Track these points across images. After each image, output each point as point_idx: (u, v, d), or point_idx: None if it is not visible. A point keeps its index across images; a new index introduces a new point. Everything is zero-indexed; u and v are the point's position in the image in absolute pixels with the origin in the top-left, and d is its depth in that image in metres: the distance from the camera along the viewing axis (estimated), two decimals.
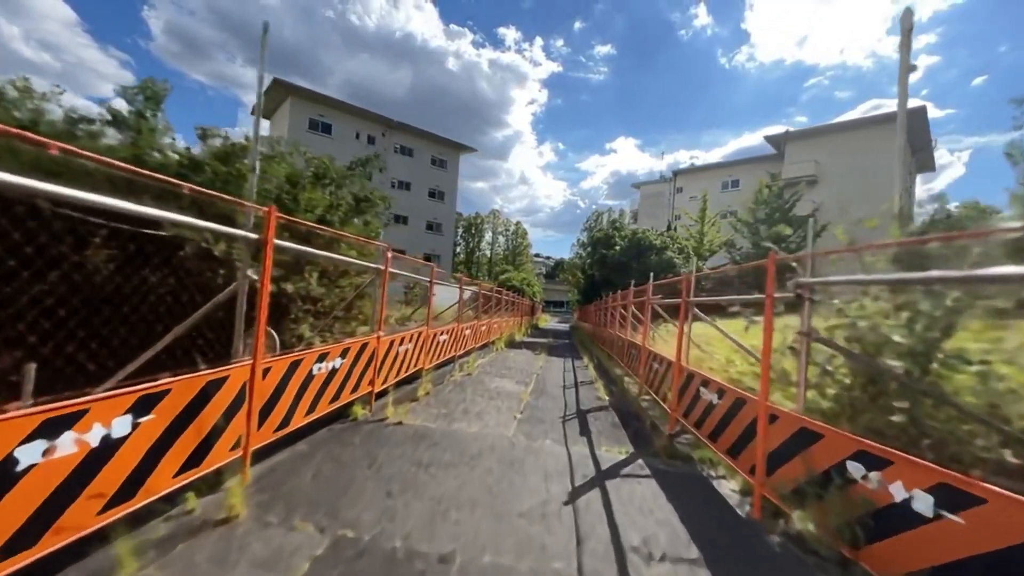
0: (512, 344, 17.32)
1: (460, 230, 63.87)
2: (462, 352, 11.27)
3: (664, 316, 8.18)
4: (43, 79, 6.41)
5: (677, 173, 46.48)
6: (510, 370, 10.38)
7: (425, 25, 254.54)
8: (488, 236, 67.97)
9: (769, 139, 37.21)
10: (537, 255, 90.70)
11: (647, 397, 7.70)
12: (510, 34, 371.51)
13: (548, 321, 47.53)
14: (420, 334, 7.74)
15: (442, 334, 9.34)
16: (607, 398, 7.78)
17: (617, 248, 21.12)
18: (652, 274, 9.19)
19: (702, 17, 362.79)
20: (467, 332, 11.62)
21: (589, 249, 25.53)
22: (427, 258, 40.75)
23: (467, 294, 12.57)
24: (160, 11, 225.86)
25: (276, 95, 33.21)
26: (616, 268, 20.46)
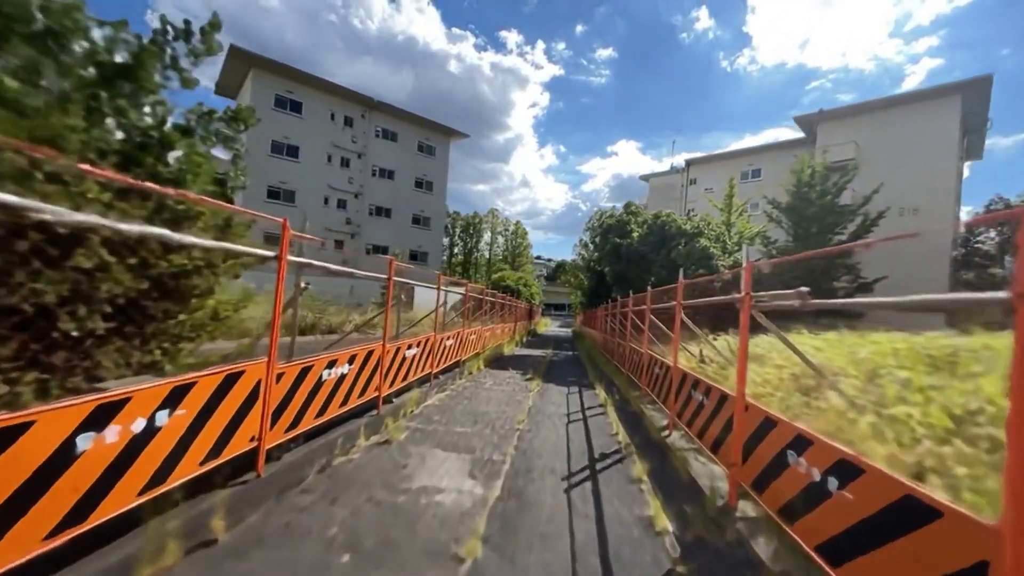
0: (497, 361, 12.92)
1: (458, 230, 60.19)
2: (399, 387, 6.92)
3: (777, 334, 3.87)
4: None
5: (690, 163, 42.02)
6: (476, 421, 6.03)
7: (427, 28, 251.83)
8: (487, 236, 63.96)
9: (799, 120, 32.79)
10: (538, 257, 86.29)
11: (753, 510, 3.40)
12: (512, 37, 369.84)
13: (548, 326, 43.21)
14: (261, 369, 3.41)
15: (343, 363, 4.99)
16: (670, 528, 3.39)
17: (635, 236, 16.63)
18: (750, 257, 4.84)
19: (703, 20, 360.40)
20: (410, 353, 7.24)
21: (598, 240, 20.98)
22: (413, 256, 36.31)
23: (432, 295, 8.27)
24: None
25: (237, 68, 28.94)
26: (634, 261, 16.02)
